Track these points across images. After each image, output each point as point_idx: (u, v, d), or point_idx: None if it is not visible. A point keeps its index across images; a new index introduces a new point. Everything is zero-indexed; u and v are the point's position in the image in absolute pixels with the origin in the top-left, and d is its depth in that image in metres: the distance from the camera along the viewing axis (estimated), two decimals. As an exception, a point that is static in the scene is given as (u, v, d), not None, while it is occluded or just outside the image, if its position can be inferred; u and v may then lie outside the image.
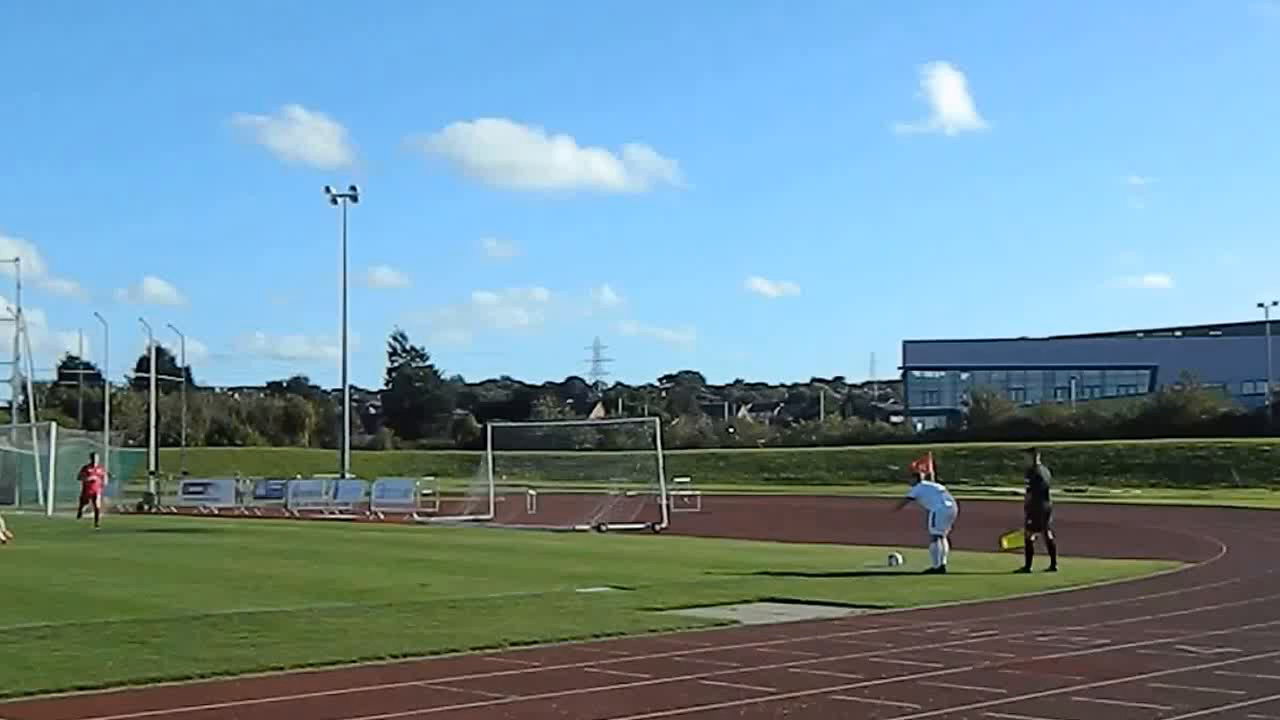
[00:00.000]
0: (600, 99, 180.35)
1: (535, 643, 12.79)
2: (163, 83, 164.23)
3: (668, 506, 34.45)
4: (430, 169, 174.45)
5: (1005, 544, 21.34)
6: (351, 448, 63.89)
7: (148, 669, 11.03)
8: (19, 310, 59.50)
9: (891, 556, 21.45)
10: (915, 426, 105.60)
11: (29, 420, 54.90)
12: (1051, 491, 21.78)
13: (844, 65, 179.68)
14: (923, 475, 22.05)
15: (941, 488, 21.70)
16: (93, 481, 37.47)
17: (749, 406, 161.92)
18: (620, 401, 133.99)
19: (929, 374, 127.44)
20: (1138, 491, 55.27)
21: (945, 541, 20.60)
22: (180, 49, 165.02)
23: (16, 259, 62.49)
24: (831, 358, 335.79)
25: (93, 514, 35.86)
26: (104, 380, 71.33)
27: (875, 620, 14.84)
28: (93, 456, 41.18)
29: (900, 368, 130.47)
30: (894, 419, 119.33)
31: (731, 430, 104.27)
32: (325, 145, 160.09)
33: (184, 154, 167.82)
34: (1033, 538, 20.59)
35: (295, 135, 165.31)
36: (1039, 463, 21.54)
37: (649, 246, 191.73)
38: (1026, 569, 20.10)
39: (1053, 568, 20.18)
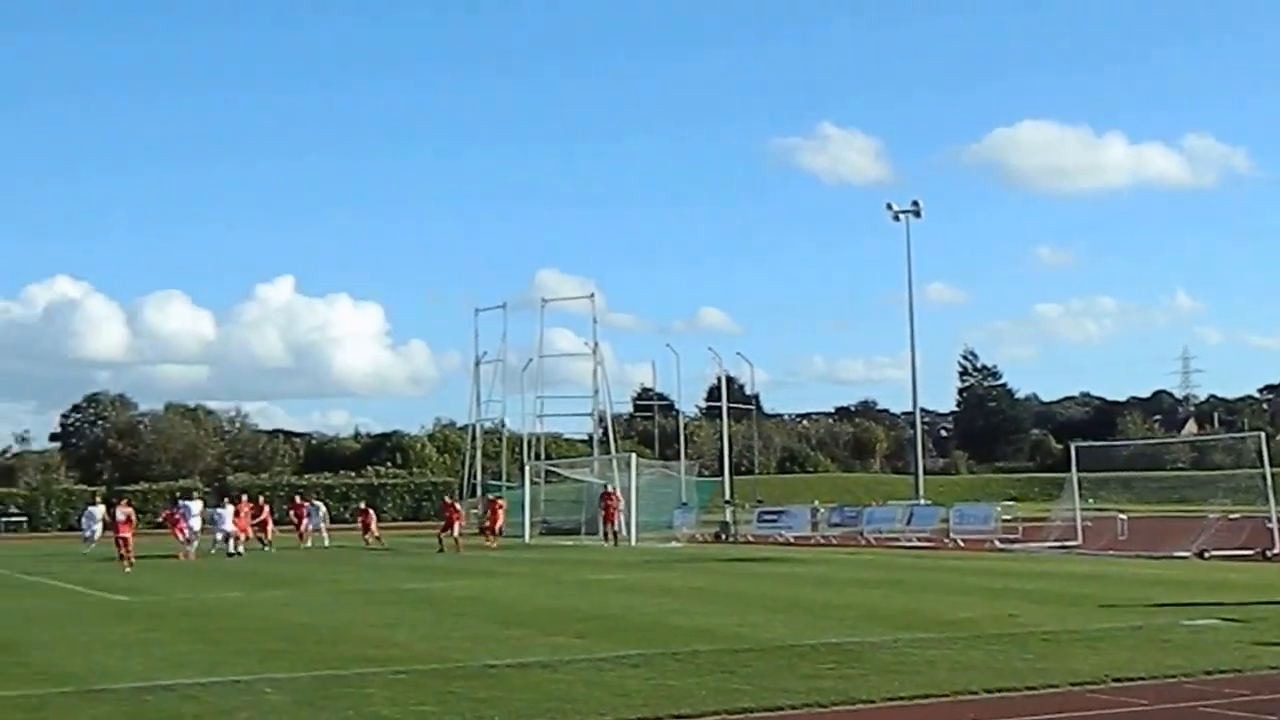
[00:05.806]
0: (1155, 91, 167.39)
1: (1140, 679, 11.82)
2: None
3: (1280, 530, 31.09)
4: (971, 178, 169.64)
5: None
6: (924, 472, 62.95)
7: (739, 699, 11.08)
8: (595, 344, 61.72)
9: None
10: None
11: (609, 452, 56.98)
12: None
13: None
14: None
15: None
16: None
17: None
18: (1215, 416, 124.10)
19: None
20: None
21: None
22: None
23: (592, 295, 63.33)
24: None
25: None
26: (677, 410, 74.61)
27: None
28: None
29: None
30: None
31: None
32: (861, 161, 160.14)
33: (723, 182, 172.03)
34: None
35: (830, 154, 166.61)
36: None
37: (1223, 245, 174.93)
38: None
39: None
